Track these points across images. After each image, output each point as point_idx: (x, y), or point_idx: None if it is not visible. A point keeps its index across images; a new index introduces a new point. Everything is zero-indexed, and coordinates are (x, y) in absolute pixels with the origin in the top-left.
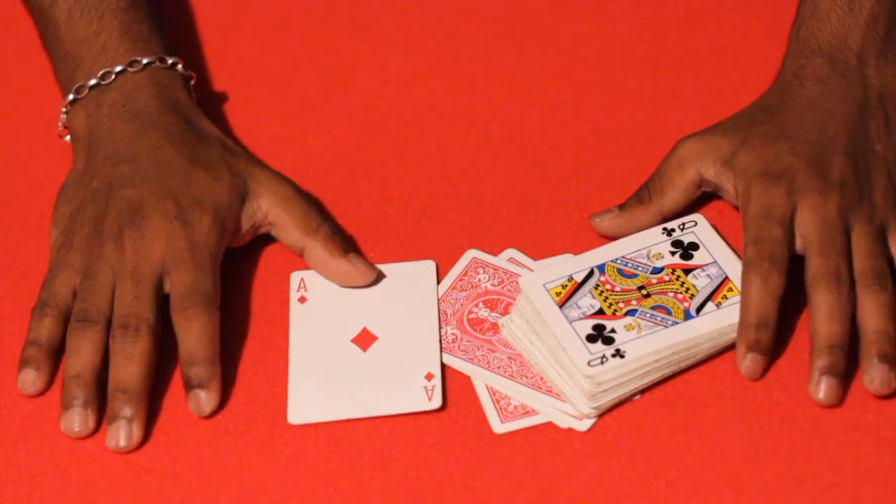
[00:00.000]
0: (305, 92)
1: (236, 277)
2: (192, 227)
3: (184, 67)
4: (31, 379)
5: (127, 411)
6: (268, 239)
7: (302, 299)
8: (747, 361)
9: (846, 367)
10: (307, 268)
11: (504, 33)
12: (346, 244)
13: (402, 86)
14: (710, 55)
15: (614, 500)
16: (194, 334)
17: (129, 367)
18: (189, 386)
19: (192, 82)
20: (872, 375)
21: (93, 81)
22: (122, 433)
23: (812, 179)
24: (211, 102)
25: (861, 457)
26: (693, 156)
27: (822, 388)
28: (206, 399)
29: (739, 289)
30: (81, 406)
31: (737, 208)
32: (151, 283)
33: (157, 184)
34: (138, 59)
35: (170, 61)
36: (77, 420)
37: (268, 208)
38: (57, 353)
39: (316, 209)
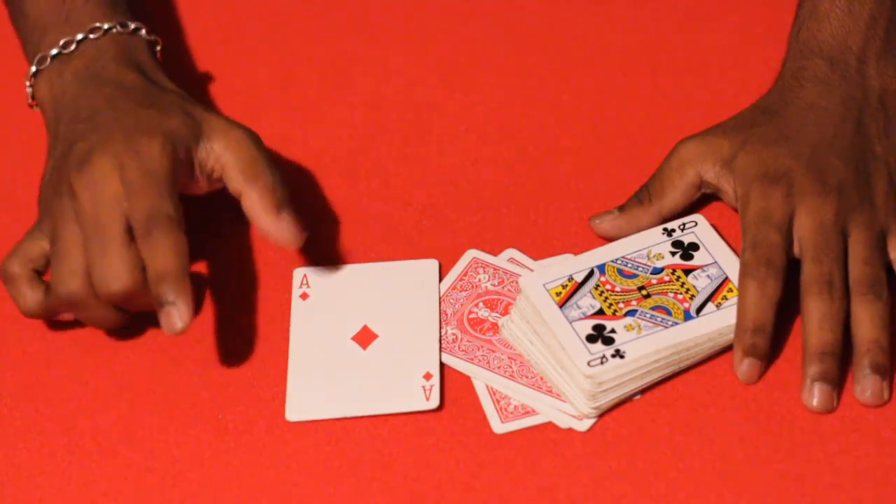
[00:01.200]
0: (305, 92)
1: (238, 273)
2: (140, 155)
3: (147, 32)
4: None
5: (172, 297)
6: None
7: (304, 296)
8: (744, 366)
9: (839, 374)
10: (310, 264)
11: (504, 33)
12: (284, 200)
13: (402, 86)
14: (710, 55)
15: (614, 500)
16: (160, 252)
17: (158, 256)
18: (159, 303)
19: (158, 47)
20: (864, 386)
21: (54, 51)
22: (174, 316)
23: (810, 183)
24: (211, 103)
25: (861, 457)
26: (693, 157)
27: (815, 395)
28: (177, 314)
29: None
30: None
31: (736, 210)
32: (115, 225)
33: (106, 129)
34: (99, 24)
35: (132, 26)
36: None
37: (220, 151)
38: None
39: (267, 160)
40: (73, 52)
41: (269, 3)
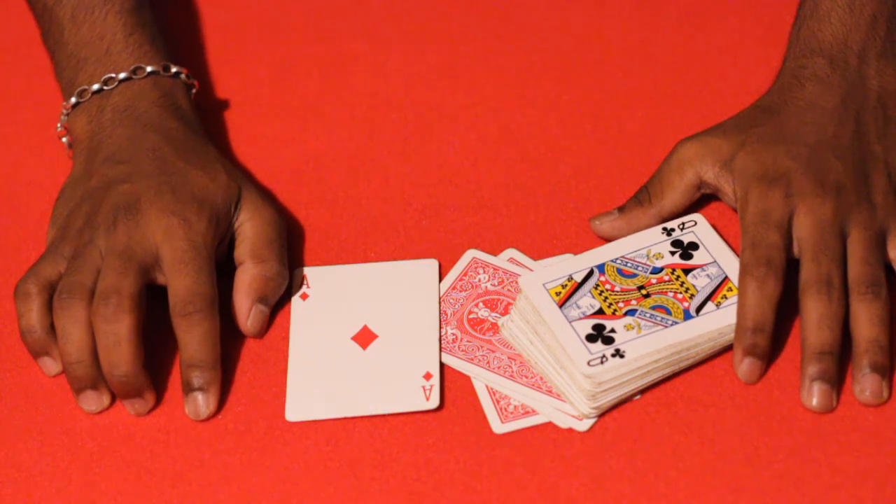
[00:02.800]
0: (305, 92)
1: None
2: (190, 225)
3: (187, 76)
4: (50, 365)
5: (134, 391)
6: None
7: (304, 296)
8: (744, 366)
9: (838, 373)
10: (310, 264)
11: (504, 33)
12: (270, 296)
13: (402, 86)
14: (710, 55)
15: (614, 500)
16: (196, 338)
17: (117, 350)
18: (188, 388)
19: (194, 91)
20: (864, 385)
21: (96, 86)
22: (137, 407)
23: (809, 183)
24: (211, 103)
25: (861, 457)
26: (692, 157)
27: (815, 395)
28: (203, 403)
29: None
30: (91, 388)
31: (736, 210)
32: (140, 264)
33: (155, 180)
34: (142, 66)
35: (174, 70)
36: (93, 402)
37: (243, 221)
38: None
39: (281, 250)
40: (113, 89)
41: (269, 3)
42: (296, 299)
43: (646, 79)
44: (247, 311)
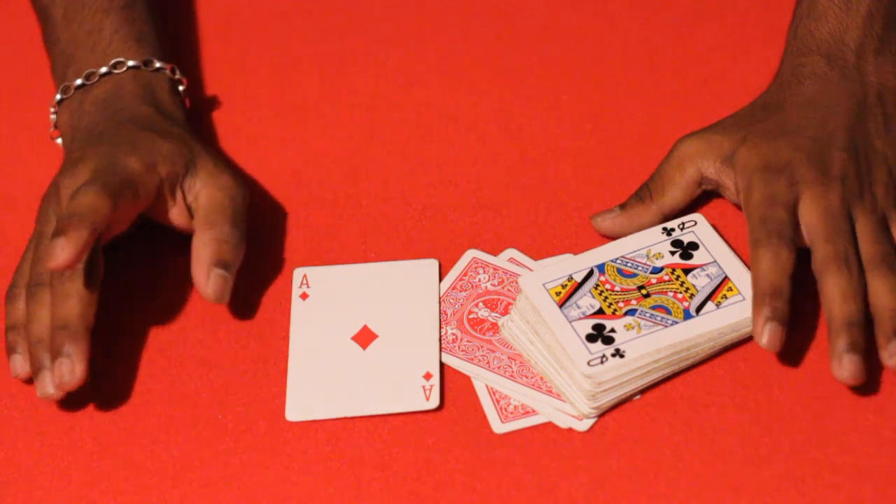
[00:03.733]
0: (305, 92)
1: (238, 273)
2: (116, 164)
3: (172, 71)
4: (19, 363)
5: (68, 348)
6: (270, 235)
7: (304, 296)
8: (767, 333)
9: (866, 344)
10: (310, 264)
11: (504, 33)
12: (228, 259)
13: (402, 86)
14: (710, 55)
15: (614, 500)
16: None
17: (65, 303)
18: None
19: (182, 87)
20: (892, 351)
21: (78, 81)
22: (65, 369)
23: (812, 172)
24: (211, 102)
25: (861, 457)
26: (693, 154)
27: (846, 366)
28: (58, 246)
29: (741, 291)
30: (48, 369)
31: (737, 206)
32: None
33: (104, 146)
34: (122, 60)
35: (157, 64)
36: (48, 382)
37: (199, 188)
38: None
39: (235, 215)
40: (94, 83)
41: (269, 3)
42: (296, 299)
43: (646, 79)
44: (205, 277)
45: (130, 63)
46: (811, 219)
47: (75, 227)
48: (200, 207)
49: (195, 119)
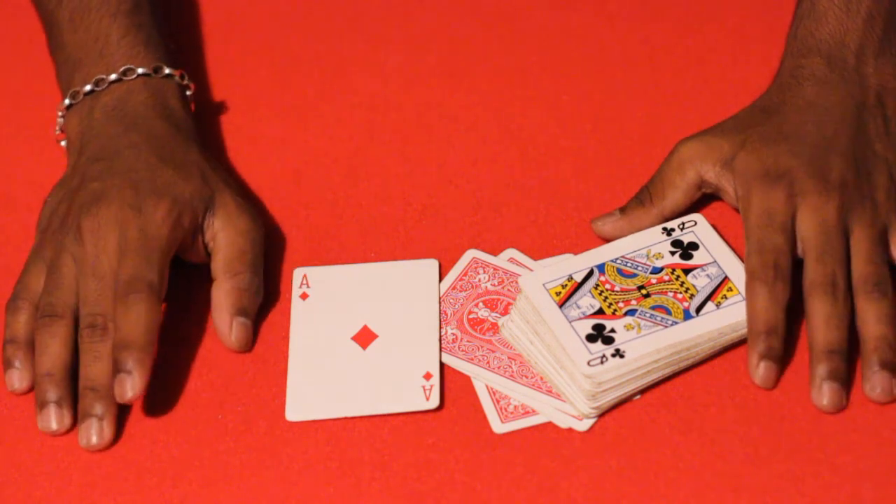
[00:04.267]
0: (305, 92)
1: None
2: (145, 215)
3: (181, 77)
4: (16, 377)
5: (98, 409)
6: (270, 235)
7: (304, 296)
8: (761, 370)
9: (847, 372)
10: (310, 264)
11: (504, 33)
12: (249, 307)
13: (402, 86)
14: (710, 55)
15: (614, 500)
16: (131, 319)
17: (97, 364)
18: (116, 370)
19: (190, 92)
20: (874, 383)
21: (88, 87)
22: (93, 431)
23: (812, 181)
24: (211, 103)
25: (861, 457)
26: (693, 157)
27: (825, 394)
28: (130, 384)
29: (741, 291)
30: (55, 404)
31: (737, 210)
32: (113, 278)
33: (123, 177)
34: (132, 67)
35: (166, 71)
36: (53, 418)
37: (218, 229)
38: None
39: (255, 260)
40: (103, 90)
41: (269, 3)
42: (296, 299)
43: (646, 79)
44: (228, 326)
45: (140, 70)
46: (807, 232)
47: (141, 361)
48: (220, 251)
49: (196, 119)
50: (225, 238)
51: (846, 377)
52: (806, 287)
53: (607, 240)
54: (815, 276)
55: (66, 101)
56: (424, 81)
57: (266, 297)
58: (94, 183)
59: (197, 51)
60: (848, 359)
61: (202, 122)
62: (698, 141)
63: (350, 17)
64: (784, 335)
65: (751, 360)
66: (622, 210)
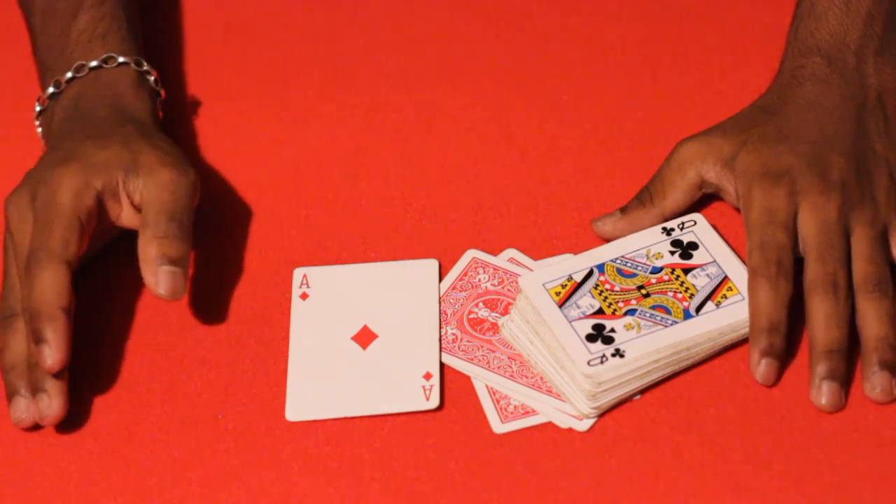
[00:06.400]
0: (305, 92)
1: (238, 273)
2: (48, 186)
3: (137, 64)
4: (22, 406)
5: (46, 384)
6: (270, 235)
7: (304, 296)
8: (762, 367)
9: (846, 372)
10: (310, 264)
11: (504, 33)
12: (173, 254)
13: (402, 86)
14: (710, 55)
15: (614, 500)
16: (35, 289)
17: (14, 344)
18: (35, 340)
19: (152, 77)
20: (874, 383)
21: (50, 90)
22: (43, 404)
23: (813, 180)
24: (211, 103)
25: (861, 457)
26: (693, 157)
27: (824, 394)
28: (47, 352)
29: (741, 291)
30: (21, 395)
31: (737, 209)
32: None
33: (45, 161)
34: (83, 63)
35: (120, 60)
36: (21, 407)
37: (142, 188)
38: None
39: (178, 210)
40: (62, 91)
41: (269, 4)
42: (296, 299)
43: (646, 79)
44: (153, 276)
45: (92, 64)
46: (808, 231)
47: (52, 328)
48: (143, 208)
49: (195, 119)
50: (148, 194)
51: (845, 377)
52: (807, 286)
53: (607, 240)
54: (815, 275)
55: (37, 108)
56: (424, 81)
57: (266, 297)
58: (25, 176)
59: (197, 51)
60: (848, 359)
61: (202, 121)
62: (698, 141)
63: (350, 17)
64: (786, 332)
65: (752, 356)
66: (622, 210)
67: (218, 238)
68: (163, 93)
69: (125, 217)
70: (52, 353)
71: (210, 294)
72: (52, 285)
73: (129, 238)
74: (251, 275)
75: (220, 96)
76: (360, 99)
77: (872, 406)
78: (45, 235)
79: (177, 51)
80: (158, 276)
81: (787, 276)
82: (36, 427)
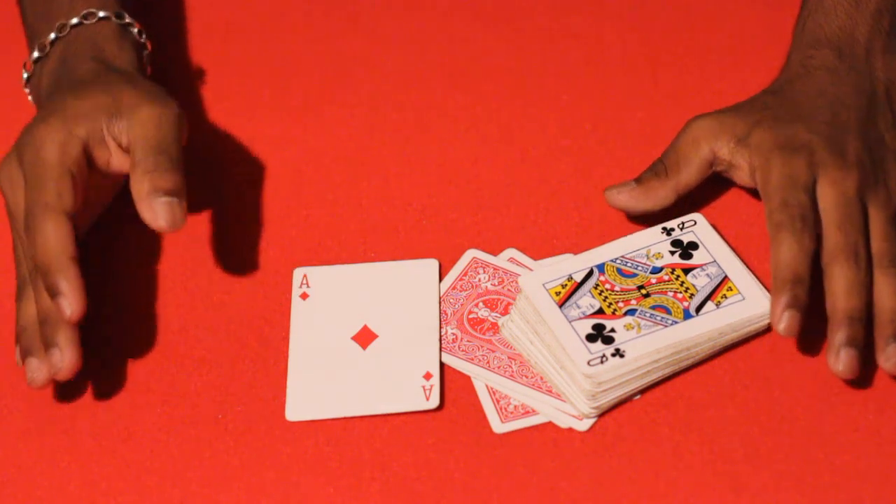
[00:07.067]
0: (305, 92)
1: (238, 273)
2: (33, 145)
3: (118, 17)
4: (35, 366)
5: (58, 338)
6: (270, 235)
7: (304, 296)
8: (786, 319)
9: (864, 340)
10: (310, 264)
11: (504, 33)
12: (167, 185)
13: (402, 86)
14: (710, 55)
15: (614, 500)
16: (38, 244)
17: (27, 308)
18: (51, 294)
19: (135, 29)
20: (889, 354)
21: (35, 55)
22: (55, 358)
23: (831, 155)
24: (211, 103)
25: (861, 457)
26: (707, 133)
27: (842, 360)
28: (65, 304)
29: (741, 291)
30: (33, 355)
31: (747, 189)
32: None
33: (31, 122)
34: (64, 21)
35: (100, 14)
36: (34, 367)
37: (127, 128)
38: None
39: (162, 142)
40: (47, 54)
41: (269, 4)
42: (296, 299)
43: (646, 79)
44: (150, 210)
45: (73, 21)
46: (827, 203)
47: (64, 278)
48: (132, 145)
49: (195, 119)
50: (133, 133)
51: (863, 345)
52: (827, 253)
53: (620, 209)
54: (837, 244)
55: (24, 76)
56: (424, 81)
57: (266, 297)
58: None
59: (197, 50)
60: (867, 327)
61: (202, 122)
62: (712, 118)
63: (350, 17)
64: (809, 288)
65: (774, 310)
66: (637, 180)
67: (218, 238)
68: (149, 45)
69: (115, 161)
70: (70, 303)
71: (210, 294)
72: (55, 237)
73: (126, 235)
74: (251, 275)
75: (221, 96)
76: (360, 99)
77: (873, 406)
78: (38, 192)
79: (177, 51)
80: (155, 208)
81: (811, 233)
82: (51, 383)
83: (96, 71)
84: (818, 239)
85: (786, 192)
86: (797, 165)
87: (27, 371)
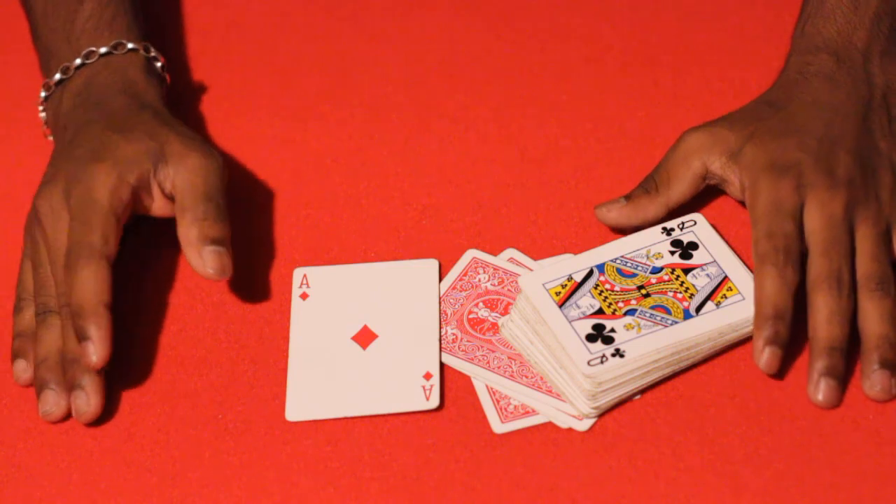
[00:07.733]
0: (306, 92)
1: (238, 273)
2: (83, 183)
3: (146, 50)
4: (22, 367)
5: (84, 380)
6: (270, 235)
7: (304, 296)
8: (766, 356)
9: (845, 370)
10: (310, 264)
11: (504, 33)
12: (215, 234)
13: (402, 86)
14: (710, 55)
15: (614, 500)
16: (77, 285)
17: (48, 337)
18: (79, 337)
19: (160, 63)
20: (873, 381)
21: (57, 77)
22: (80, 401)
23: (819, 175)
24: (211, 102)
25: (861, 457)
26: (699, 148)
27: (822, 390)
28: (91, 349)
29: (741, 291)
30: (51, 388)
31: (741, 203)
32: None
33: (70, 154)
34: (93, 49)
35: (129, 46)
36: (50, 401)
37: (173, 175)
38: None
39: (210, 192)
40: (71, 77)
41: (269, 4)
42: (296, 299)
43: (646, 79)
44: (199, 257)
45: (102, 51)
46: (813, 226)
47: (95, 325)
48: (178, 193)
49: (196, 119)
50: (180, 181)
51: (844, 375)
52: (811, 281)
53: (610, 226)
54: (820, 271)
55: (42, 94)
56: (424, 81)
57: (266, 297)
58: (50, 168)
59: (197, 50)
60: (848, 356)
61: (203, 121)
62: (704, 131)
63: (350, 18)
64: (791, 322)
65: (756, 344)
66: (627, 197)
67: None
68: (168, 78)
69: (157, 206)
70: (97, 350)
71: (210, 294)
72: (94, 282)
73: (125, 235)
74: (251, 275)
75: (221, 96)
76: (360, 99)
77: (872, 406)
78: (85, 232)
79: (177, 51)
80: (204, 256)
81: (794, 265)
82: (64, 419)
83: (133, 108)
84: (803, 268)
85: (771, 219)
86: (784, 188)
87: (42, 403)
